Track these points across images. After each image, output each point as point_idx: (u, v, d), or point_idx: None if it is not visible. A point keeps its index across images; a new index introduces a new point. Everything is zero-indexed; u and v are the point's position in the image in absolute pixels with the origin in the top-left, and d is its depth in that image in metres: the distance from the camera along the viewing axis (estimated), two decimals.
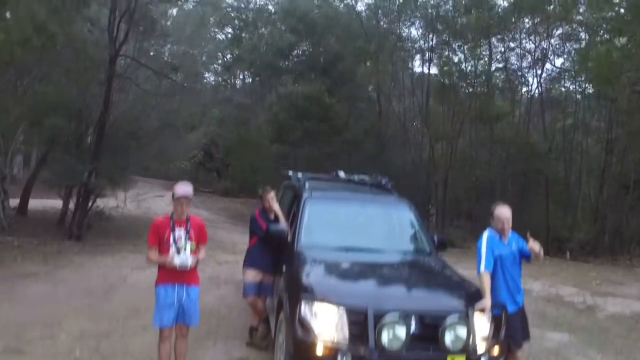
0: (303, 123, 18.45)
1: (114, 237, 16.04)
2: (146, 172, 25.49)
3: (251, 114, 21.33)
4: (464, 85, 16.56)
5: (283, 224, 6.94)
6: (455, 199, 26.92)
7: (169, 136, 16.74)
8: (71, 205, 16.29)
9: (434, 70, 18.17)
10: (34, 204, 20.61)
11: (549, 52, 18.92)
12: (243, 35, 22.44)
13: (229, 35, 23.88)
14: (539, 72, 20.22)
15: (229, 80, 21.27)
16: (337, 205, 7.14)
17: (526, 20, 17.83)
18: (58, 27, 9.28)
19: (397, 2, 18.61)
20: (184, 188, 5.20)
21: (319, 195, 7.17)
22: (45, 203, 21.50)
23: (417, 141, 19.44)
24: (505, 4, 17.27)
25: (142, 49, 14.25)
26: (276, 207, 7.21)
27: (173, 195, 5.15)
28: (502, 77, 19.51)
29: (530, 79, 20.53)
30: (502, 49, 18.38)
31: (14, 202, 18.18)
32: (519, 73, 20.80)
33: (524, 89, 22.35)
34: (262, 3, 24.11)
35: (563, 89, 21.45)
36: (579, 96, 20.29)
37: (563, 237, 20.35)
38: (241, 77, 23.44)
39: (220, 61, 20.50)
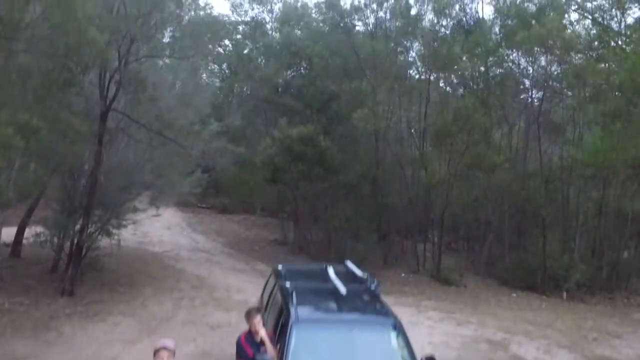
0: (298, 166, 18.35)
1: (107, 289, 15.92)
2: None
3: (247, 152, 21.29)
4: (459, 130, 16.41)
5: (270, 353, 6.91)
6: (453, 226, 26.88)
7: (164, 184, 16.64)
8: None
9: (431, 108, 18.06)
10: (31, 231, 20.41)
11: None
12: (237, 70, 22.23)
13: (225, 71, 23.70)
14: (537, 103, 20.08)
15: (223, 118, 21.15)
16: (324, 330, 7.15)
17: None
18: (42, 119, 9.11)
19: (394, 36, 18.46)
20: (162, 342, 5.33)
21: (305, 317, 7.16)
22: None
23: (414, 181, 19.30)
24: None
25: (133, 104, 14.07)
26: (262, 332, 7.15)
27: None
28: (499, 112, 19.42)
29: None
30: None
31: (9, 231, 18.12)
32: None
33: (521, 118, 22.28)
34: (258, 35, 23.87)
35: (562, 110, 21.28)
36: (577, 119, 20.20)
37: (560, 276, 20.26)
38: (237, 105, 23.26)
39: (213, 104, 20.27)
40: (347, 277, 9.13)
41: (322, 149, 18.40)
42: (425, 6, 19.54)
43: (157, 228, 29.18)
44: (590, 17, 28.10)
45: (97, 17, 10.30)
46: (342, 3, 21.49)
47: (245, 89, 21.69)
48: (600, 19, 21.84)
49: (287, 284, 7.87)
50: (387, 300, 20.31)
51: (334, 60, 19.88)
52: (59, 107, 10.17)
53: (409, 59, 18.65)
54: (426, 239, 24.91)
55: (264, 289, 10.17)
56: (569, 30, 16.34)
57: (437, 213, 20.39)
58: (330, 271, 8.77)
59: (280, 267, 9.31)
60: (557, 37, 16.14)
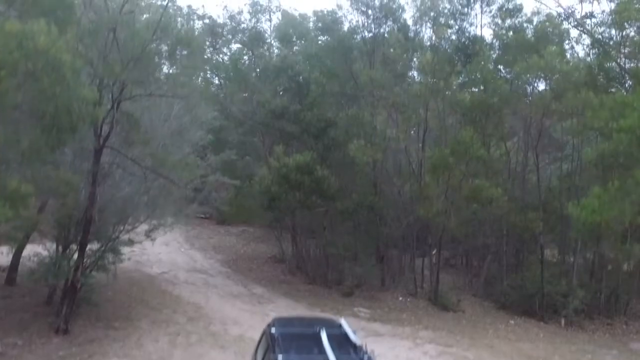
0: (295, 195, 18.24)
1: (103, 325, 15.81)
2: None
3: (245, 171, 21.14)
4: (457, 162, 16.28)
5: None
6: (452, 241, 26.76)
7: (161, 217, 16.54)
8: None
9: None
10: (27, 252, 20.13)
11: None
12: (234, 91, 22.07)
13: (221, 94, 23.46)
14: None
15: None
16: None
17: None
18: (31, 181, 8.99)
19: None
20: None
21: None
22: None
23: (413, 208, 19.16)
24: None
25: (128, 141, 13.95)
26: None
27: None
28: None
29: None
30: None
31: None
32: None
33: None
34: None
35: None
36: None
37: (558, 302, 20.17)
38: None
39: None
40: (341, 344, 8.97)
41: (319, 177, 18.27)
42: (424, 30, 19.42)
43: (154, 244, 29.09)
44: (589, 34, 27.91)
45: (86, 69, 10.14)
46: (340, 26, 21.41)
47: (242, 109, 21.47)
48: (599, 38, 21.74)
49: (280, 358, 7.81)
50: (384, 330, 20.11)
51: (331, 86, 19.72)
52: (50, 166, 10.02)
53: (407, 86, 18.44)
54: (425, 253, 24.79)
55: (257, 348, 10.05)
56: (568, 63, 16.14)
57: (435, 238, 20.28)
58: (324, 337, 8.62)
59: (273, 329, 9.13)
60: (557, 70, 15.99)
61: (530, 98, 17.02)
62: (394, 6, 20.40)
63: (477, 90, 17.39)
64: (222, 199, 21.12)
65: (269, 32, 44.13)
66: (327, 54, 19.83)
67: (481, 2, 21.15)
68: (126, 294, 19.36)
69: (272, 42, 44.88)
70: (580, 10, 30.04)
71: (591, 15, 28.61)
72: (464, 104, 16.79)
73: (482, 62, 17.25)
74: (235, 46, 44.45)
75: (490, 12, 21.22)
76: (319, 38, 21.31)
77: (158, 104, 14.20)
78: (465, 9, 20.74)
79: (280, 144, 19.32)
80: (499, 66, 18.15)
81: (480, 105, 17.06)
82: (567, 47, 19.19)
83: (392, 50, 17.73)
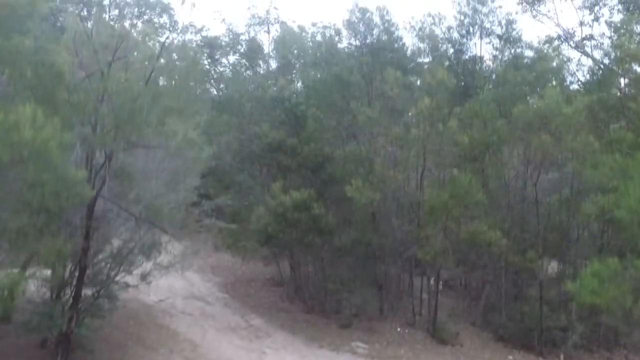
0: (292, 233, 18.10)
1: None
2: None
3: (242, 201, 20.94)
4: (455, 206, 16.12)
5: None
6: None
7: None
8: None
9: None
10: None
11: None
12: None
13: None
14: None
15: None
16: None
17: None
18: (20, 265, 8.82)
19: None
20: None
21: None
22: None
23: (411, 245, 18.98)
24: None
25: (121, 195, 13.78)
26: None
27: None
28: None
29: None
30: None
31: None
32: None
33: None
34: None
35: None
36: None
37: (557, 337, 20.05)
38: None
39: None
40: None
41: (316, 215, 18.11)
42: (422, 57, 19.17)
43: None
44: (589, 56, 27.58)
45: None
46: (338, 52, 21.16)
47: (239, 137, 21.26)
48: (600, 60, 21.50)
49: None
50: None
51: (329, 120, 19.51)
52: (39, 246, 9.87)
53: (406, 126, 18.21)
54: (424, 271, 24.52)
55: None
56: (569, 102, 15.93)
57: (433, 269, 20.16)
58: None
59: None
60: (556, 113, 15.77)
61: (529, 139, 16.83)
62: (392, 37, 20.19)
63: (476, 127, 17.18)
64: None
65: (267, 45, 44.03)
66: (324, 87, 19.60)
67: (480, 32, 20.93)
68: (123, 330, 19.22)
69: (271, 53, 44.79)
70: (580, 34, 30.00)
71: (591, 37, 28.37)
72: (463, 145, 16.61)
73: (480, 104, 17.06)
74: (233, 58, 44.60)
75: (490, 42, 21.02)
76: (316, 61, 21.00)
77: (151, 153, 13.99)
78: (464, 39, 20.53)
79: (277, 180, 19.12)
80: (499, 103, 17.93)
81: (480, 145, 16.86)
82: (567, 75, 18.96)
83: (390, 90, 17.51)
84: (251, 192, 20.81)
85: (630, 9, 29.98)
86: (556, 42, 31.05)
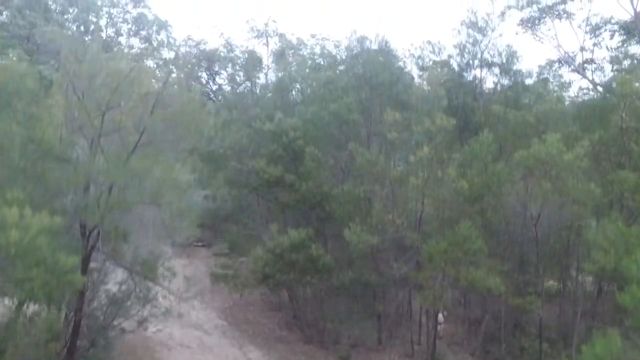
0: (290, 274, 17.97)
1: None
2: None
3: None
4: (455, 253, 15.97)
5: None
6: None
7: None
8: None
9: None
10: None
11: None
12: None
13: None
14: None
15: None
16: None
17: None
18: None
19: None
20: None
21: None
22: None
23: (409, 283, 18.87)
24: None
25: (114, 254, 13.64)
26: None
27: None
28: None
29: None
30: None
31: None
32: None
33: None
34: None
35: None
36: None
37: None
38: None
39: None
40: None
41: (314, 257, 17.96)
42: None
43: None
44: (588, 79, 27.28)
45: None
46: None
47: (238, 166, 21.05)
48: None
49: None
50: None
51: (327, 158, 19.32)
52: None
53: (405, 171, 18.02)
54: None
55: None
56: (571, 147, 15.71)
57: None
58: None
59: None
60: (557, 160, 15.56)
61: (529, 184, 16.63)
62: (392, 69, 19.91)
63: (475, 170, 16.97)
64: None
65: (266, 57, 43.71)
66: (322, 123, 19.36)
67: (481, 64, 20.67)
68: None
69: (269, 65, 44.46)
70: (581, 57, 29.75)
71: (591, 61, 28.09)
72: (462, 191, 16.42)
73: (480, 146, 16.86)
74: (230, 70, 44.32)
75: (490, 71, 20.77)
76: (314, 97, 20.71)
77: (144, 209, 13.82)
78: (465, 72, 20.27)
79: (275, 214, 18.95)
80: (499, 144, 17.69)
81: (479, 188, 16.67)
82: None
83: (389, 134, 17.27)
84: (249, 230, 20.70)
85: (631, 33, 29.85)
86: (556, 65, 30.96)
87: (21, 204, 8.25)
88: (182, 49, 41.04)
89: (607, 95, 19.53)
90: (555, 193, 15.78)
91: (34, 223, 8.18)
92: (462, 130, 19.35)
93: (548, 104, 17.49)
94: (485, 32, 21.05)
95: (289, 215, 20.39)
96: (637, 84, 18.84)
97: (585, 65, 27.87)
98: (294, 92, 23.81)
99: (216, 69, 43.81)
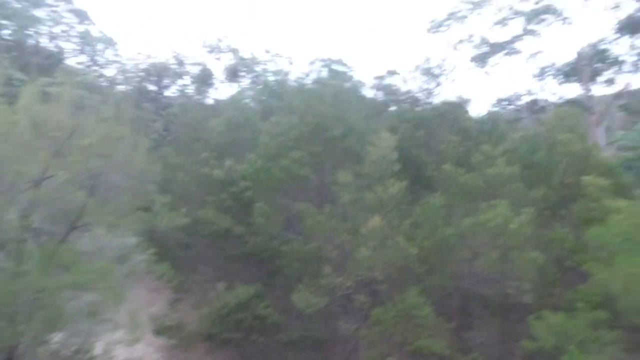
0: (236, 334, 17.47)
1: None
2: None
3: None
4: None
5: None
6: None
7: None
8: None
9: None
10: None
11: None
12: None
13: None
14: None
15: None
16: None
17: None
18: None
19: None
20: None
21: None
22: None
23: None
24: None
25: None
26: None
27: None
28: None
29: None
30: None
31: None
32: None
33: None
34: None
35: None
36: None
37: None
38: None
39: None
40: None
41: (262, 316, 17.54)
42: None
43: None
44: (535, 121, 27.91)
45: None
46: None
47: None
48: None
49: None
50: None
51: (277, 214, 18.90)
52: None
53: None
54: None
55: None
56: (514, 223, 16.03)
57: None
58: None
59: None
60: (505, 230, 15.83)
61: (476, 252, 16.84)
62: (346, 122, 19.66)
63: (425, 233, 17.05)
64: None
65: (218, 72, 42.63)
66: (273, 177, 18.88)
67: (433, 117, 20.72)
68: None
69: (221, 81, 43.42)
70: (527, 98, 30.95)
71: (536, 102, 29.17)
72: (411, 257, 16.45)
73: (430, 209, 16.95)
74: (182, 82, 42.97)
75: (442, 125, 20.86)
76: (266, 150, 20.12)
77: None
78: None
79: (221, 271, 18.36)
80: (449, 207, 17.79)
81: (428, 253, 16.79)
82: None
83: (342, 197, 17.06)
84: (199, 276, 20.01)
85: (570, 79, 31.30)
86: (504, 103, 31.85)
87: None
88: (130, 63, 39.40)
89: (551, 151, 20.12)
90: (500, 263, 16.08)
91: None
92: (413, 182, 19.36)
93: (497, 167, 17.73)
94: (438, 78, 21.16)
95: (238, 267, 19.85)
96: (578, 145, 19.48)
97: (531, 106, 28.80)
98: (246, 133, 23.18)
99: (166, 82, 42.45)
